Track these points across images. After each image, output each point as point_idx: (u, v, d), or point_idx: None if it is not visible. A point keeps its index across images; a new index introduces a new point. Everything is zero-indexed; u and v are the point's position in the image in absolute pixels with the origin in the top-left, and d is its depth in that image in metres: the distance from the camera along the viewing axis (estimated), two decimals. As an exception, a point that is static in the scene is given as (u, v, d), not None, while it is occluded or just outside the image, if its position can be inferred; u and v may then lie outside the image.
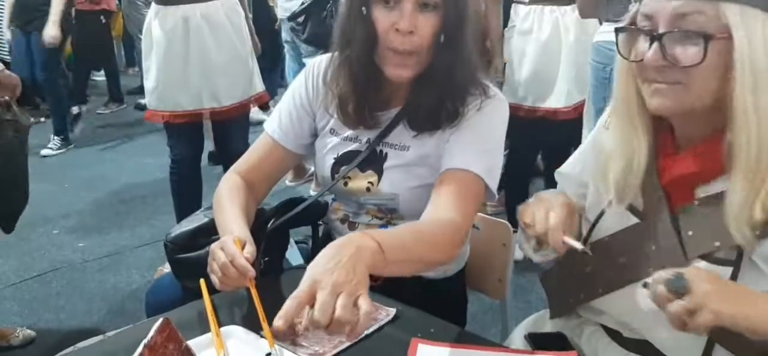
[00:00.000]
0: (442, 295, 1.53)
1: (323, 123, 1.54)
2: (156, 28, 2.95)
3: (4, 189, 2.30)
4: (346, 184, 1.50)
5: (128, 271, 3.28)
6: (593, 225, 1.20)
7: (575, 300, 1.21)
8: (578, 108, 3.13)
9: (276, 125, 1.57)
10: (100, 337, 1.30)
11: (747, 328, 0.92)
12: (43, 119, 6.04)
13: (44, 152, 5.24)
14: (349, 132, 1.51)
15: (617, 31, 1.08)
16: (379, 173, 1.47)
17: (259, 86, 3.18)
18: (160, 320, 0.91)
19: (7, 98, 2.26)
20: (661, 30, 1.00)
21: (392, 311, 1.27)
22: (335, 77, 1.48)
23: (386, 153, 1.48)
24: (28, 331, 2.67)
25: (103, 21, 6.32)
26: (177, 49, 2.94)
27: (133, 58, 8.02)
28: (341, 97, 1.47)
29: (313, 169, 4.10)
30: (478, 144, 1.41)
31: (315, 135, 1.57)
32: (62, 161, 5.10)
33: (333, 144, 1.52)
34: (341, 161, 1.51)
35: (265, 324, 1.17)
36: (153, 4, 3.00)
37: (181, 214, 2.97)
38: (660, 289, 0.93)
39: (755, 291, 0.98)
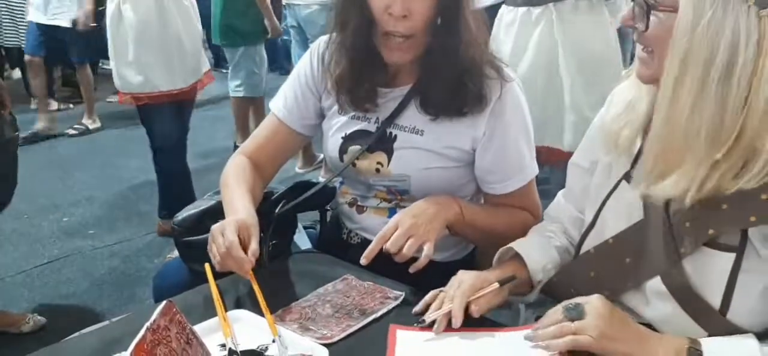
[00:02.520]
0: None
1: (329, 102, 1.52)
2: (128, 12, 2.98)
3: None
4: (354, 165, 1.48)
5: (138, 258, 3.28)
6: (600, 207, 1.18)
7: None
8: None
9: (281, 104, 1.55)
10: (105, 322, 1.29)
11: None
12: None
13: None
14: (357, 111, 1.48)
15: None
16: (389, 153, 1.45)
17: (206, 65, 3.30)
18: (164, 303, 0.89)
19: None
20: None
21: (401, 294, 1.26)
22: (335, 60, 1.47)
23: (395, 135, 1.45)
24: (39, 318, 2.68)
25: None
26: (154, 31, 2.99)
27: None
28: (339, 80, 1.46)
29: (322, 156, 4.09)
30: (518, 152, 1.44)
31: (321, 116, 1.55)
32: (71, 149, 5.11)
33: (341, 123, 1.50)
34: (350, 139, 1.48)
35: (267, 314, 1.15)
36: None
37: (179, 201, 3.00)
38: (555, 316, 1.05)
39: (642, 331, 1.03)
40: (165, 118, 3.15)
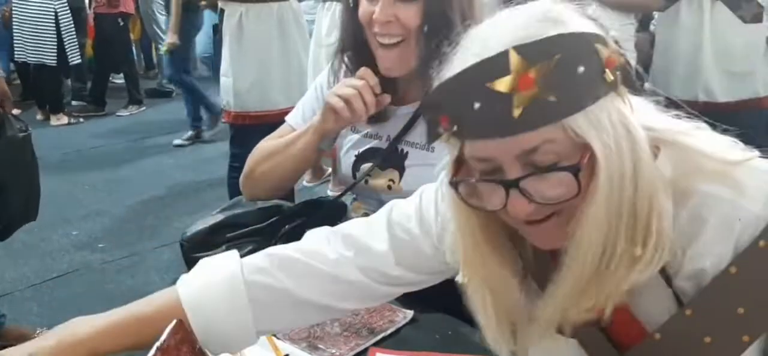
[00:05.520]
0: (461, 295, 1.50)
1: None
2: (249, 26, 2.97)
3: None
4: (366, 181, 1.49)
5: (147, 272, 3.29)
6: None
7: None
8: None
9: (300, 118, 1.57)
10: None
11: None
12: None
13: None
14: (369, 129, 1.50)
15: (453, 183, 0.81)
16: (400, 170, 1.46)
17: None
18: (174, 321, 0.89)
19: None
20: (511, 175, 0.75)
21: (410, 313, 1.26)
22: (340, 77, 1.49)
23: (407, 151, 1.46)
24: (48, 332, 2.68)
25: (121, 24, 6.38)
26: (275, 47, 3.00)
27: (152, 60, 8.09)
28: None
29: (330, 169, 4.09)
30: None
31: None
32: (82, 163, 5.14)
33: (353, 142, 1.51)
34: (362, 157, 1.50)
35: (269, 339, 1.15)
36: (235, 4, 3.00)
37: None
38: None
39: None
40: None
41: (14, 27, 5.76)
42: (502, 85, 0.71)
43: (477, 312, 0.89)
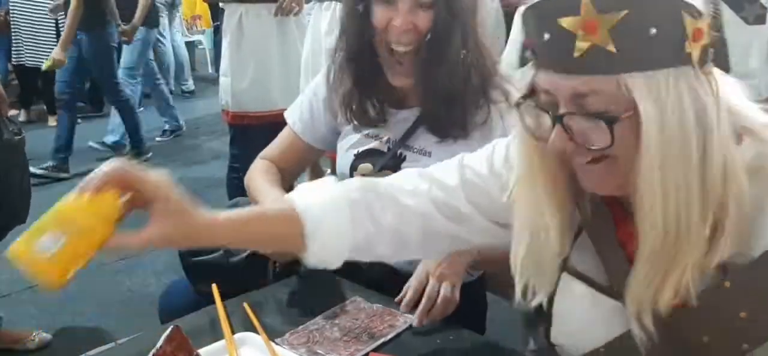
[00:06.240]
0: (462, 300, 1.49)
1: (344, 120, 1.53)
2: (249, 26, 2.96)
3: None
4: None
5: (144, 275, 3.27)
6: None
7: None
8: None
9: (297, 117, 1.58)
10: (111, 345, 1.27)
11: None
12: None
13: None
14: (369, 130, 1.49)
15: (517, 103, 0.87)
16: (395, 172, 1.45)
17: None
18: (170, 328, 0.88)
19: None
20: (561, 110, 0.80)
21: (410, 318, 1.24)
22: (339, 78, 1.48)
23: (405, 155, 1.46)
24: (44, 334, 2.68)
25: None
26: (274, 46, 3.00)
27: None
28: (344, 98, 1.47)
29: (329, 170, 4.08)
30: None
31: (336, 132, 1.56)
32: (79, 164, 5.10)
33: (353, 141, 1.52)
34: (362, 157, 1.50)
35: (264, 336, 1.14)
36: (235, 4, 2.99)
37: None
38: None
39: None
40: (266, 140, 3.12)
41: (13, 30, 5.73)
42: (569, 22, 0.75)
43: (513, 235, 0.94)
